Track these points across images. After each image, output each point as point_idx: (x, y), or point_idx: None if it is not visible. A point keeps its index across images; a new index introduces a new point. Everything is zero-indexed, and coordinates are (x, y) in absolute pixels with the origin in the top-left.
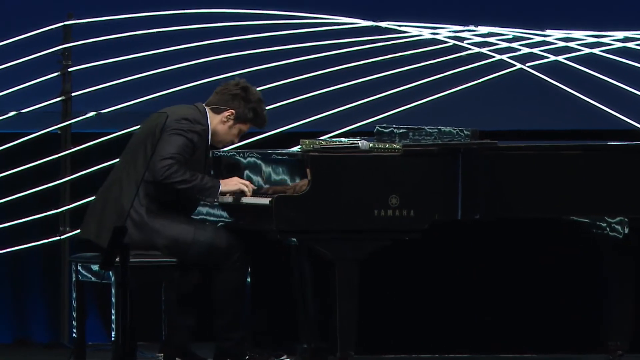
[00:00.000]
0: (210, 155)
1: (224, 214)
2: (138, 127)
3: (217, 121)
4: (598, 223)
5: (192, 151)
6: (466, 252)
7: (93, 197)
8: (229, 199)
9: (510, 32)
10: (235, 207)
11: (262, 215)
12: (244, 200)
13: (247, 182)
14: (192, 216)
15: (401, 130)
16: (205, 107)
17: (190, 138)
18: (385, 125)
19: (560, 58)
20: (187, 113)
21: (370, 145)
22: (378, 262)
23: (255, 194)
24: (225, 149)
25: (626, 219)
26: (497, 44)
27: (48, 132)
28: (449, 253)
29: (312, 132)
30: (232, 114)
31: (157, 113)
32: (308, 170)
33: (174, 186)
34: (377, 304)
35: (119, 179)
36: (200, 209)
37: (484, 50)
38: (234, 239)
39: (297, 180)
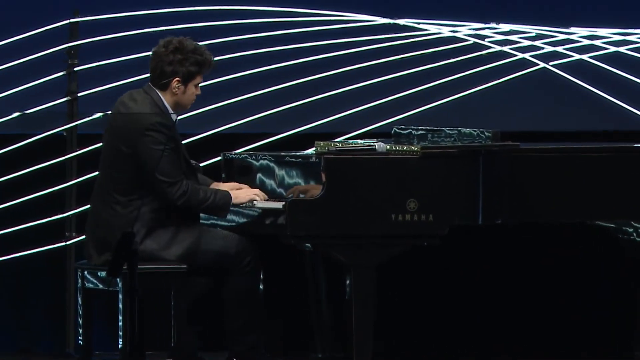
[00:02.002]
0: (222, 157)
1: (236, 218)
2: (104, 131)
3: (169, 95)
4: (624, 228)
5: (176, 147)
6: (468, 253)
7: (87, 221)
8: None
9: (533, 29)
10: (249, 212)
11: (275, 219)
12: (258, 204)
13: (258, 191)
14: (202, 221)
15: (420, 132)
16: (153, 89)
17: (171, 146)
18: (403, 126)
19: (585, 57)
20: (144, 111)
21: (388, 147)
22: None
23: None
24: (236, 151)
25: None
26: (520, 42)
27: (53, 133)
28: (452, 254)
29: (327, 133)
30: (178, 81)
31: (110, 117)
32: (323, 174)
33: (190, 209)
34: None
35: (107, 202)
36: None
37: (506, 48)
38: (245, 244)
39: (312, 184)
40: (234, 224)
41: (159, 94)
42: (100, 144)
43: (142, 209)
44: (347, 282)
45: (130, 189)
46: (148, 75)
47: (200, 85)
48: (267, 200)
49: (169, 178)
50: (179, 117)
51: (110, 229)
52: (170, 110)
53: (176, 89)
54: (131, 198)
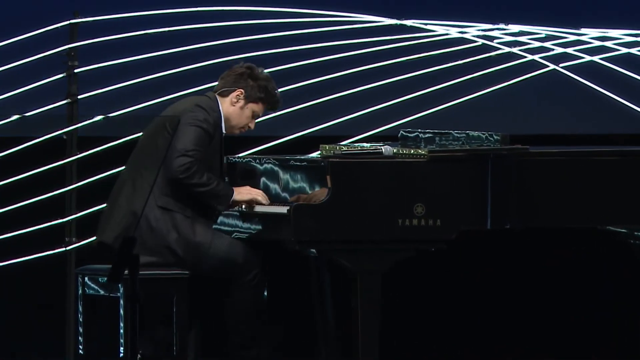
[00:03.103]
0: (225, 161)
1: (239, 223)
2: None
3: (227, 104)
4: (636, 233)
5: (209, 142)
6: (470, 254)
7: (103, 205)
8: (241, 208)
9: (542, 30)
10: (251, 216)
11: (279, 225)
12: (260, 209)
13: (261, 192)
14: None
15: (427, 135)
16: (215, 95)
17: (206, 129)
18: (410, 129)
19: (595, 58)
20: (200, 100)
21: (394, 150)
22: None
23: (271, 202)
24: (240, 155)
25: None
26: (529, 44)
27: (53, 136)
28: (453, 255)
29: (333, 136)
30: (241, 93)
31: (167, 116)
32: (328, 177)
33: (189, 188)
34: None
35: (130, 178)
36: None
37: (515, 50)
38: (251, 254)
39: (317, 188)
40: (236, 229)
41: (218, 99)
42: (100, 147)
43: (158, 183)
44: (353, 288)
45: (156, 160)
46: (148, 77)
47: (200, 88)
48: (271, 204)
49: (184, 148)
50: None
51: (128, 201)
52: (222, 118)
53: (236, 100)
54: (152, 171)
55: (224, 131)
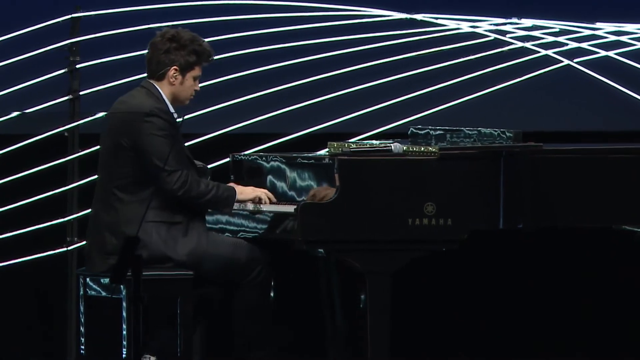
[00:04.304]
0: (231, 158)
1: (245, 222)
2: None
3: (166, 85)
4: None
5: (178, 140)
6: (474, 253)
7: (88, 227)
8: (248, 206)
9: (556, 25)
10: (257, 215)
11: (286, 224)
12: (265, 207)
13: (265, 190)
14: (210, 225)
15: (438, 132)
16: (151, 82)
17: (169, 134)
18: (420, 126)
19: (611, 53)
20: (139, 103)
21: (404, 148)
22: None
23: (278, 201)
24: (246, 152)
25: None
26: (542, 38)
27: (54, 134)
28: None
29: (341, 133)
30: (175, 70)
31: (109, 116)
32: (336, 176)
33: (190, 201)
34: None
35: (108, 203)
36: (219, 217)
37: (528, 45)
38: (255, 252)
39: (324, 186)
40: (242, 229)
41: (156, 85)
42: None
43: (144, 204)
44: (362, 289)
45: (131, 185)
46: None
47: (209, 83)
48: (278, 203)
49: (168, 166)
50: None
51: (113, 230)
52: (169, 103)
53: (173, 79)
54: (133, 194)
55: (173, 112)
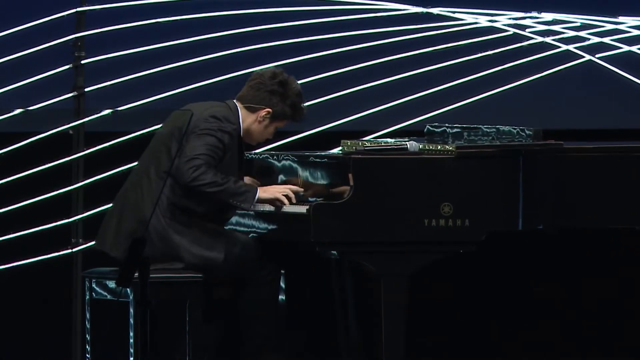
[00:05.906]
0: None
1: (255, 223)
2: (159, 126)
3: (251, 120)
4: None
5: (223, 153)
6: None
7: (110, 205)
8: (267, 208)
9: (578, 19)
10: (268, 216)
11: (298, 225)
12: (284, 209)
13: (288, 191)
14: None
15: (455, 130)
16: (237, 104)
17: (220, 138)
18: (436, 124)
19: (634, 48)
20: (216, 111)
21: (420, 146)
22: None
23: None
24: (257, 150)
25: None
26: (563, 33)
27: (58, 131)
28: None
29: (355, 131)
30: (268, 112)
31: (180, 111)
32: (350, 175)
33: (202, 189)
34: None
35: (138, 183)
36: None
37: (549, 39)
38: (264, 252)
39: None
40: (252, 229)
41: (241, 111)
42: (108, 143)
43: (165, 191)
44: (377, 292)
45: (165, 173)
46: (158, 69)
47: (214, 80)
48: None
49: (193, 152)
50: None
51: (134, 207)
52: (241, 129)
53: (262, 119)
54: (162, 180)
55: (242, 145)
